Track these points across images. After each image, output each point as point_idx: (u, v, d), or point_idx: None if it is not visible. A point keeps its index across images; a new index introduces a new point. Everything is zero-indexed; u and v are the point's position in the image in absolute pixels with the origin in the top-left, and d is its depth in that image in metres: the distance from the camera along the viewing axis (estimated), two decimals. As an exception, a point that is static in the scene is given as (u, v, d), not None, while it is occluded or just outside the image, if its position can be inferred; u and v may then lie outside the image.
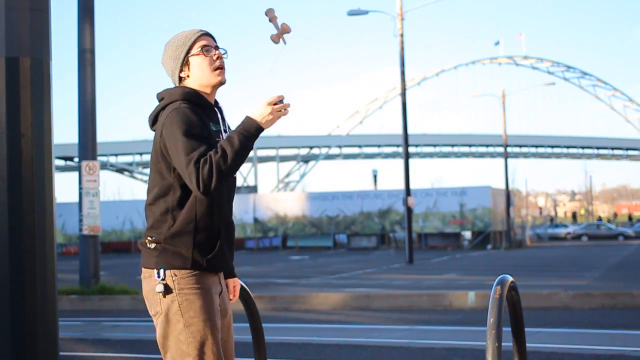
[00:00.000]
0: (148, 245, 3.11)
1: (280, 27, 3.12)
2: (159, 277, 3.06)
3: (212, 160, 2.91)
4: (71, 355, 7.84)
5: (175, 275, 3.06)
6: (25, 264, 4.46)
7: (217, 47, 3.22)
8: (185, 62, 3.18)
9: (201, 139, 2.99)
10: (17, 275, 4.44)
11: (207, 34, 3.23)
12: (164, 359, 3.13)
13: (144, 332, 9.96)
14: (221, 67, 3.20)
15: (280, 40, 3.12)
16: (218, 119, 3.20)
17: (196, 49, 3.17)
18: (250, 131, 3.00)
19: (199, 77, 3.17)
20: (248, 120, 3.02)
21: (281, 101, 3.05)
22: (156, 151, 3.11)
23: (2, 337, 4.41)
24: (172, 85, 3.27)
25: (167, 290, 3.06)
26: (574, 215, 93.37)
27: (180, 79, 3.20)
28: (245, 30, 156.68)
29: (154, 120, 3.21)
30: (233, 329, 3.33)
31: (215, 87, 3.21)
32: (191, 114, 3.04)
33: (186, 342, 3.03)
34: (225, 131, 3.21)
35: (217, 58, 3.19)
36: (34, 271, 4.48)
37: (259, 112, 3.02)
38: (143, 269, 3.15)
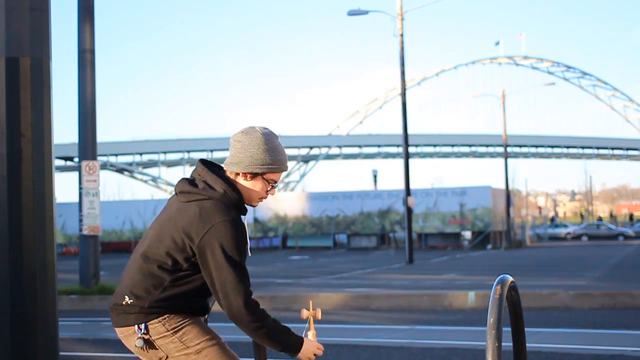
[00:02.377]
0: (125, 303, 3.10)
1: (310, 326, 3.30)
2: (139, 331, 3.08)
3: (265, 316, 3.08)
4: (71, 355, 7.84)
5: (164, 318, 3.09)
6: (25, 264, 4.46)
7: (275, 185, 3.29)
8: (255, 175, 3.17)
9: (245, 269, 3.06)
10: (17, 276, 4.44)
11: (284, 171, 3.28)
12: None
13: (144, 332, 9.95)
14: (264, 198, 3.29)
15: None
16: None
17: (270, 177, 3.20)
18: (289, 346, 3.12)
19: (248, 192, 3.20)
20: (299, 344, 3.13)
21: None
22: (182, 235, 3.06)
23: (2, 337, 4.41)
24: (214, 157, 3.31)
25: (156, 338, 3.09)
26: (581, 215, 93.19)
27: (237, 174, 3.18)
28: (244, 30, 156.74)
29: (189, 192, 3.14)
30: None
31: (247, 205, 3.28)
32: (242, 233, 3.08)
33: None
34: None
35: (269, 194, 3.27)
36: (34, 271, 4.48)
37: (307, 348, 3.15)
38: (121, 329, 3.15)
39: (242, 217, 3.18)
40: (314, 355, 3.16)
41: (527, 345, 3.68)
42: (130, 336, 3.13)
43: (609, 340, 8.55)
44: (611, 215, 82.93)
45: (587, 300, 11.86)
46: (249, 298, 3.01)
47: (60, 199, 46.41)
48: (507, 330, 3.28)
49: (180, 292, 3.10)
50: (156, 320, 3.08)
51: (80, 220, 14.25)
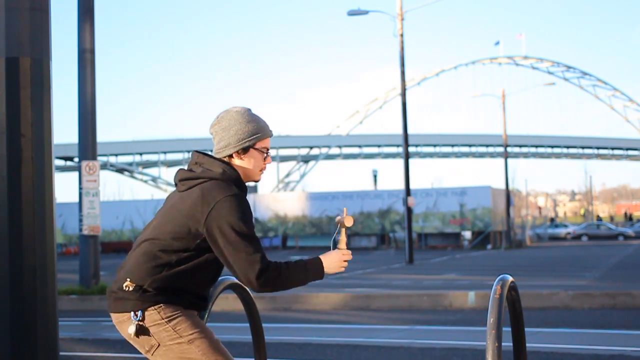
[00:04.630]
0: (125, 288, 3.10)
1: (340, 239, 3.27)
2: (135, 317, 3.07)
3: (281, 271, 3.05)
4: (71, 355, 7.84)
5: (160, 306, 3.09)
6: (25, 264, 4.46)
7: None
8: (245, 150, 3.23)
9: (256, 238, 3.08)
10: (17, 276, 4.44)
11: (271, 136, 3.33)
12: None
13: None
14: (264, 170, 3.34)
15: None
16: None
17: (261, 145, 3.26)
18: (313, 277, 3.14)
19: (248, 169, 3.25)
20: (320, 269, 3.15)
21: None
22: (187, 216, 3.09)
23: (2, 337, 4.41)
24: (205, 150, 3.32)
25: (150, 325, 3.08)
26: (584, 214, 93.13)
27: (230, 156, 3.23)
28: (244, 30, 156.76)
29: (188, 178, 3.19)
30: None
31: (249, 181, 3.31)
32: (247, 205, 3.12)
33: (197, 357, 3.10)
34: None
35: (267, 163, 3.32)
36: (34, 271, 4.48)
37: (331, 262, 3.18)
38: (117, 315, 3.14)
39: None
40: (345, 262, 3.19)
41: (527, 345, 3.68)
42: (124, 322, 3.13)
43: (609, 340, 8.55)
44: (626, 216, 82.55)
45: (587, 300, 11.86)
46: (263, 269, 3.02)
47: (60, 199, 46.45)
48: (507, 330, 3.28)
49: (182, 274, 3.11)
50: (152, 307, 3.08)
51: (80, 220, 14.25)
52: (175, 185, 3.26)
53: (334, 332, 9.70)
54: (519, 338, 3.59)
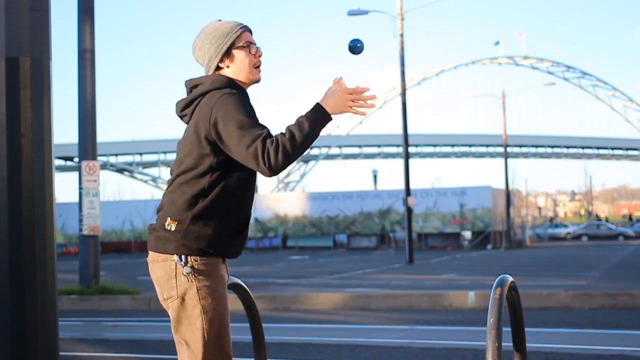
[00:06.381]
0: (167, 227, 3.08)
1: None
2: (180, 260, 3.05)
3: (279, 141, 2.93)
4: (71, 355, 7.83)
5: (195, 261, 3.07)
6: (25, 264, 4.46)
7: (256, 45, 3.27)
8: (227, 53, 3.18)
9: (260, 123, 3.02)
10: (17, 276, 4.44)
11: (249, 30, 3.26)
12: (176, 340, 3.12)
13: (144, 332, 9.96)
14: (259, 65, 3.25)
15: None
16: None
17: (240, 42, 3.20)
18: (319, 119, 3.01)
19: (239, 70, 3.20)
20: (318, 107, 3.03)
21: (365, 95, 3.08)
22: (196, 135, 3.08)
23: (2, 337, 4.41)
24: (201, 74, 3.27)
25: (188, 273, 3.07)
26: (589, 213, 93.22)
27: (218, 67, 3.21)
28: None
29: (186, 105, 3.21)
30: None
31: (251, 83, 3.25)
32: (243, 94, 3.10)
33: (201, 328, 3.05)
34: None
35: (258, 56, 3.24)
36: (34, 271, 4.48)
37: (331, 100, 3.04)
38: (153, 253, 3.13)
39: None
40: (351, 102, 3.05)
41: (527, 345, 3.68)
42: (157, 262, 3.11)
43: (609, 340, 8.55)
44: (630, 218, 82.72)
45: (587, 300, 11.86)
46: (270, 148, 2.92)
47: (60, 199, 46.42)
48: (507, 330, 3.28)
49: (219, 197, 3.07)
50: (190, 258, 3.06)
51: (80, 220, 14.25)
52: (181, 118, 3.26)
53: (334, 332, 9.70)
54: (519, 338, 3.59)
